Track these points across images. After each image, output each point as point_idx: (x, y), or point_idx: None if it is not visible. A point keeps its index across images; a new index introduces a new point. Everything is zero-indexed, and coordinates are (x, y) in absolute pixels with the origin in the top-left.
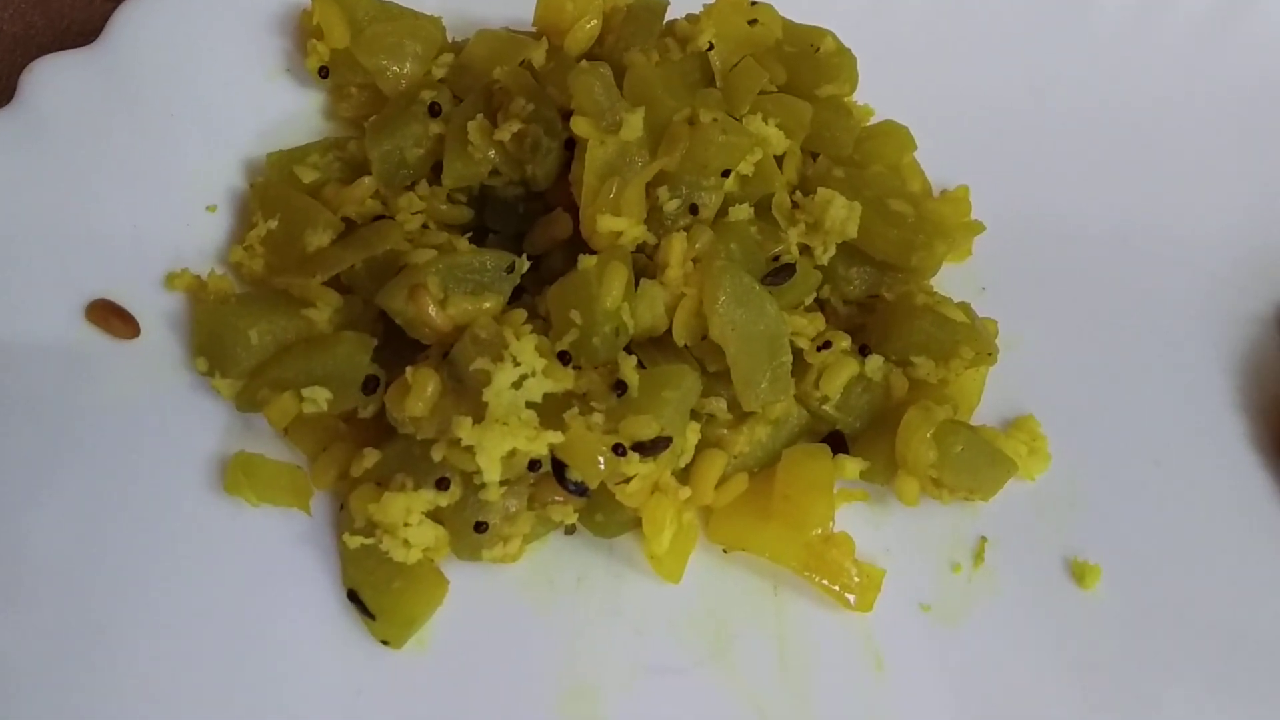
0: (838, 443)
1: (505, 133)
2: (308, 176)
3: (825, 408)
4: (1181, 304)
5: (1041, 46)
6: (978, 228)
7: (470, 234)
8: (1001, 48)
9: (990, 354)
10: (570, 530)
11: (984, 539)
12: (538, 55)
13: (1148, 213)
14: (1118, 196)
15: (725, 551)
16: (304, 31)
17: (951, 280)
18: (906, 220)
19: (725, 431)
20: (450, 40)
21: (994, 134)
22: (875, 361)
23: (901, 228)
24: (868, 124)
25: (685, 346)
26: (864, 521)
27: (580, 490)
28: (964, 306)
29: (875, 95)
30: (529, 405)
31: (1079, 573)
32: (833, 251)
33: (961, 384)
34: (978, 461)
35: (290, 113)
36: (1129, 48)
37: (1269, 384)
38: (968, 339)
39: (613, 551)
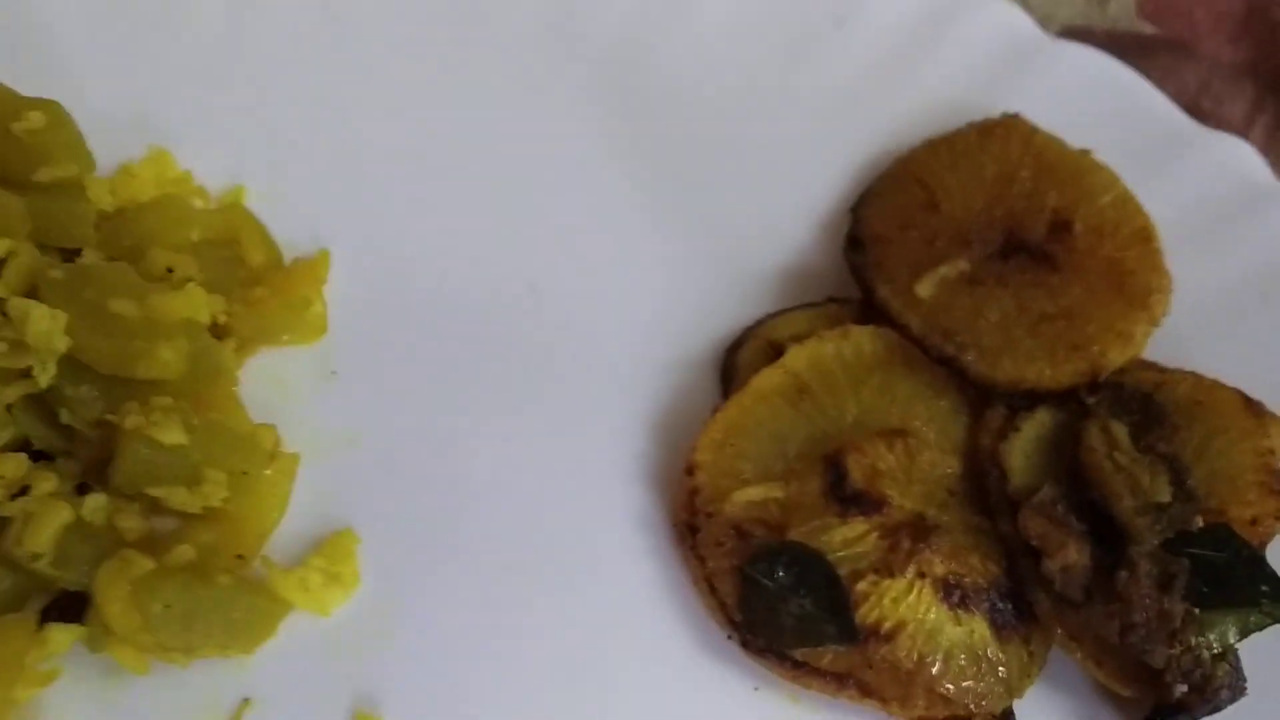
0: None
1: None
2: None
3: (40, 565)
4: (582, 370)
5: (414, 106)
6: (307, 300)
7: None
8: (364, 101)
9: (248, 472)
10: None
11: (246, 701)
12: None
13: (544, 278)
14: (511, 260)
15: None
16: None
17: (298, 364)
18: (127, 324)
19: None
20: None
21: (374, 195)
22: (95, 502)
23: (116, 334)
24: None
25: None
26: (92, 698)
27: None
28: (212, 420)
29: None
30: None
31: None
32: (53, 371)
33: (255, 501)
34: (200, 615)
35: None
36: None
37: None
38: (210, 458)
39: None
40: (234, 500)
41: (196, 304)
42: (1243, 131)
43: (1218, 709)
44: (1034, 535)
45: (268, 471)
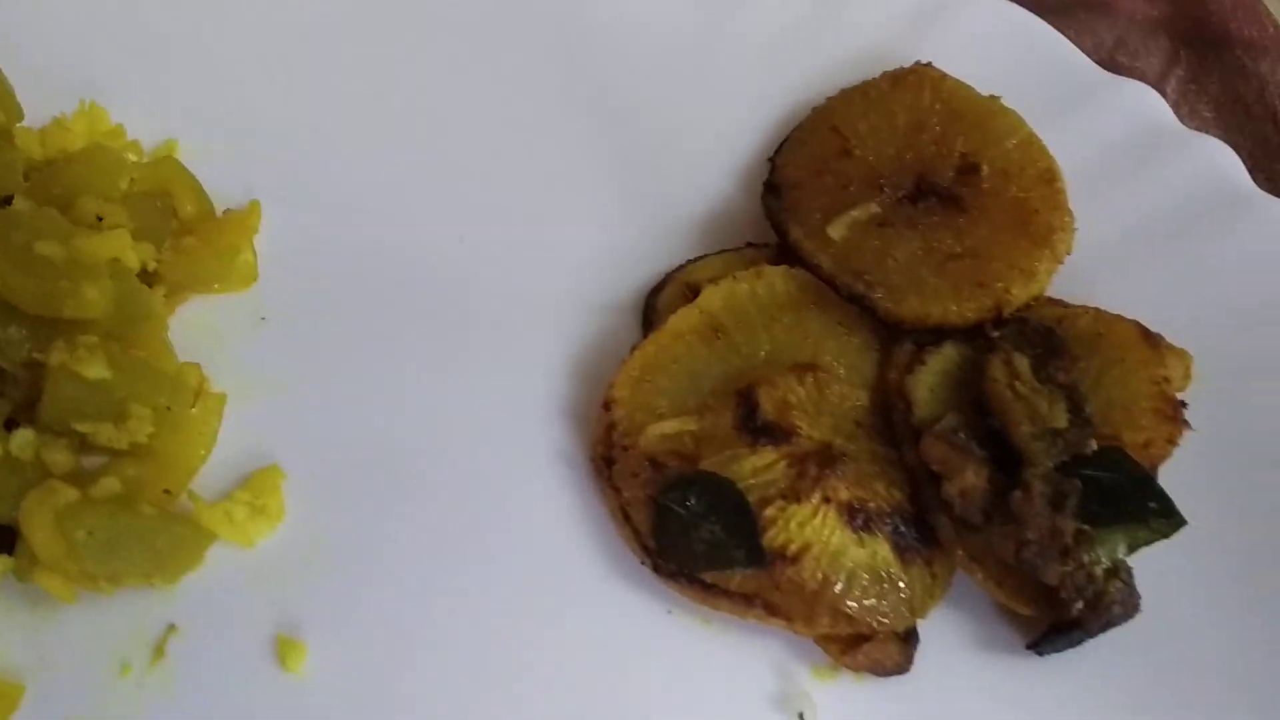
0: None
1: None
2: None
3: None
4: (509, 315)
5: (344, 59)
6: (236, 249)
7: None
8: (295, 57)
9: (172, 408)
10: None
11: (171, 627)
12: None
13: (473, 228)
14: (439, 211)
15: None
16: None
17: (229, 311)
18: (52, 265)
19: None
20: None
21: (306, 148)
22: (23, 437)
23: (42, 275)
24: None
25: None
26: (20, 627)
27: None
28: (136, 358)
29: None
30: None
31: (284, 652)
32: None
33: (182, 438)
34: (123, 544)
35: None
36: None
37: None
38: (135, 394)
39: None
40: (161, 437)
41: (121, 245)
42: (1158, 85)
43: (1111, 625)
44: (934, 460)
45: (194, 410)
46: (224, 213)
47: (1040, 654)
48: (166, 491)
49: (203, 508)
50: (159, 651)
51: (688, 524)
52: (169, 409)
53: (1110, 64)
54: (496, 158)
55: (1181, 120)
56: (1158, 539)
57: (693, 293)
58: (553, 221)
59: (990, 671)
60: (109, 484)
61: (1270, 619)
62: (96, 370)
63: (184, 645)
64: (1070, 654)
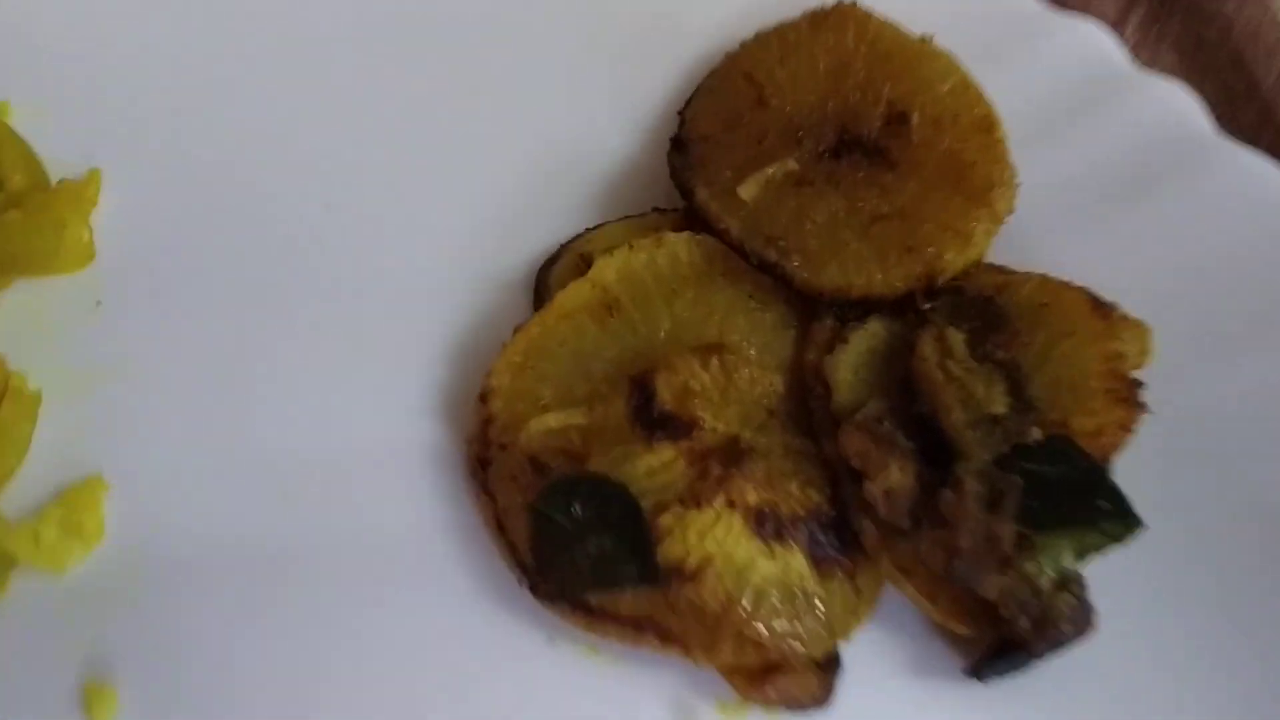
0: None
1: None
2: None
3: None
4: (380, 294)
5: (194, 14)
6: (67, 224)
7: None
8: (141, 12)
9: None
10: None
11: None
12: None
13: (342, 195)
14: (302, 176)
15: None
16: None
17: (57, 296)
18: None
19: None
20: None
21: (153, 110)
22: None
23: None
24: None
25: None
26: None
27: None
28: None
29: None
30: None
31: (91, 701)
32: None
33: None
34: None
35: None
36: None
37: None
38: None
39: None
40: None
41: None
42: (1116, 28)
43: (1061, 645)
44: (854, 454)
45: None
46: (59, 183)
47: (981, 679)
48: None
49: (5, 528)
50: None
51: (571, 536)
52: None
53: (1066, 5)
54: (367, 115)
55: (1140, 65)
56: (1111, 544)
57: (589, 265)
58: (431, 187)
59: (925, 701)
60: None
61: (1243, 633)
62: None
63: None
64: (1016, 680)
